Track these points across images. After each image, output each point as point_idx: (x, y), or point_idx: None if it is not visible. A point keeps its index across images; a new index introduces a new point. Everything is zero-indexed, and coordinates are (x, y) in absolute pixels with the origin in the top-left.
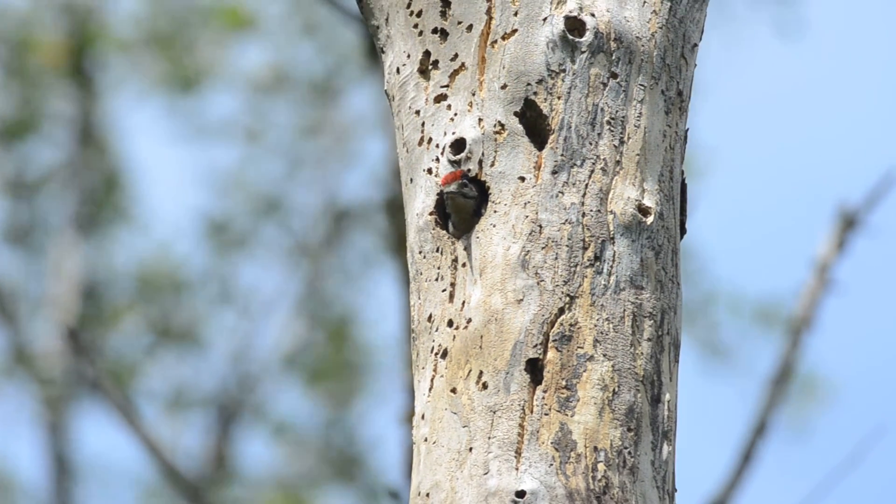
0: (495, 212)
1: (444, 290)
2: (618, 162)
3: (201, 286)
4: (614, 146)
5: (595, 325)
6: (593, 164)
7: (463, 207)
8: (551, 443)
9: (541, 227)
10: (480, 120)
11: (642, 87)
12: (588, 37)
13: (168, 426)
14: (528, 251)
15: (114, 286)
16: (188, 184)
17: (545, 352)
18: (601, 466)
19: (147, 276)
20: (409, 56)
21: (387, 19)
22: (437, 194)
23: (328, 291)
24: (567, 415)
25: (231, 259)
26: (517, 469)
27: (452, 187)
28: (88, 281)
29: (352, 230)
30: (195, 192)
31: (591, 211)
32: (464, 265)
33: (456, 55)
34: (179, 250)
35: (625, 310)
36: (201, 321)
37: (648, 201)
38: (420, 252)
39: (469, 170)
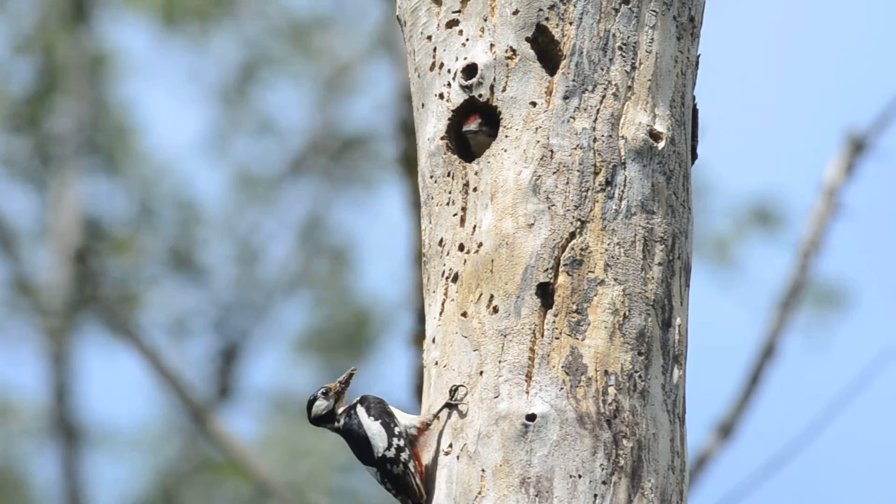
0: (506, 137)
1: (455, 215)
2: (629, 87)
3: (206, 215)
4: (626, 72)
5: (606, 250)
6: (605, 89)
7: (485, 144)
8: (562, 367)
9: (552, 151)
10: (492, 45)
11: (654, 14)
12: None
13: (172, 354)
14: (540, 176)
15: (116, 216)
16: (192, 108)
17: (556, 276)
18: (612, 390)
19: (150, 206)
20: None
21: None
22: (449, 119)
23: (331, 218)
24: (578, 339)
25: (235, 187)
26: (528, 393)
27: (473, 126)
28: (91, 212)
29: (356, 157)
30: (199, 116)
31: (603, 136)
32: (475, 189)
33: None
34: (182, 179)
35: (636, 234)
36: (205, 249)
37: (660, 126)
38: (431, 176)
39: (480, 95)
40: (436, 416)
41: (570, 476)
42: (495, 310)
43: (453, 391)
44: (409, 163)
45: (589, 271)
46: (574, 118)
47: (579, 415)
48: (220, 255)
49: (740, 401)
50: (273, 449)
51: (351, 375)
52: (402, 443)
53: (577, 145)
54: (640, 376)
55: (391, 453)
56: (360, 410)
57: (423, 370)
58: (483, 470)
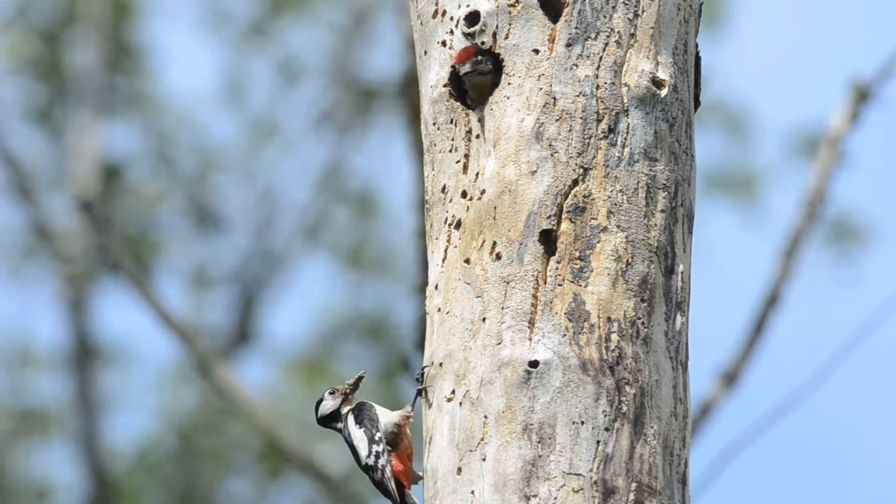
0: (509, 84)
1: (457, 162)
2: (632, 35)
3: (224, 162)
4: (629, 19)
5: (609, 197)
6: (608, 36)
7: (480, 85)
8: (565, 313)
9: (555, 99)
10: None
11: None
12: None
13: (191, 303)
14: (543, 123)
15: (135, 164)
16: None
17: (559, 223)
18: (614, 337)
19: (168, 154)
20: None
21: None
22: (452, 67)
23: (350, 167)
24: (580, 285)
25: (254, 135)
26: (530, 339)
27: (467, 67)
28: (109, 158)
29: (374, 106)
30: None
31: (606, 83)
32: (478, 136)
33: None
34: (201, 126)
35: (638, 181)
36: (224, 197)
37: (662, 74)
38: (434, 123)
39: (483, 42)
40: (412, 406)
41: (573, 423)
42: (498, 256)
43: (420, 376)
44: (412, 110)
45: (592, 218)
46: (577, 65)
47: (582, 361)
48: (239, 202)
49: (744, 349)
50: (289, 398)
51: (360, 379)
52: (380, 448)
53: (580, 93)
54: (642, 323)
55: (371, 461)
56: (350, 419)
57: (425, 317)
58: (485, 416)
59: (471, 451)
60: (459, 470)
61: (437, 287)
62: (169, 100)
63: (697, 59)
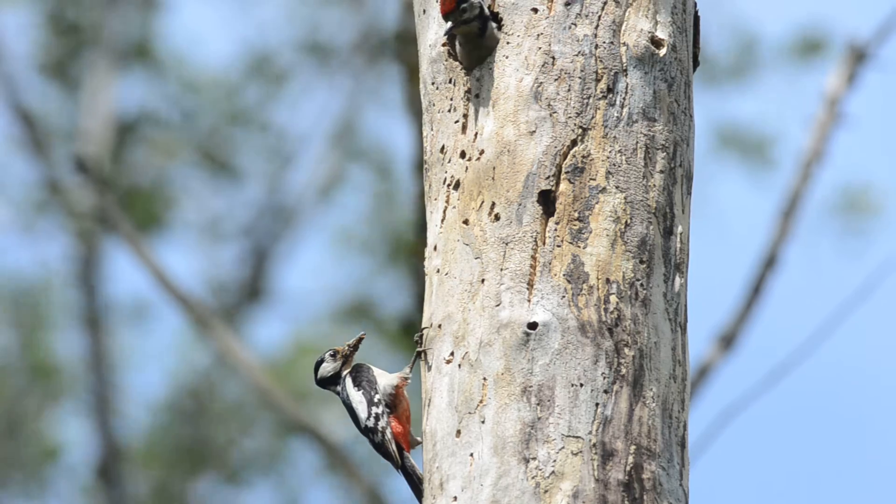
0: (508, 43)
1: (456, 122)
2: None
3: (237, 117)
4: None
5: (608, 157)
6: None
7: (469, 32)
8: (563, 274)
9: (553, 58)
10: None
11: None
12: None
13: (203, 257)
14: (541, 83)
15: (149, 119)
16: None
17: (558, 183)
18: (613, 298)
19: (183, 109)
20: None
21: None
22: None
23: (363, 124)
24: (579, 246)
25: (267, 91)
26: (529, 301)
27: (450, 24)
28: (123, 113)
29: (387, 63)
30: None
31: (604, 43)
32: (476, 96)
33: None
34: (215, 81)
35: (637, 142)
36: (237, 153)
37: (661, 33)
38: (433, 83)
39: (481, 1)
40: (410, 368)
41: (572, 385)
42: (497, 217)
43: (419, 338)
44: (410, 70)
45: (590, 179)
46: (575, 25)
47: (581, 323)
48: (252, 157)
49: (742, 311)
50: (302, 354)
51: (360, 340)
52: (379, 410)
53: (579, 52)
54: (641, 284)
55: (371, 423)
56: (348, 381)
57: (424, 278)
58: (484, 378)
59: (470, 413)
60: (458, 432)
61: (435, 248)
62: (183, 55)
63: (696, 18)
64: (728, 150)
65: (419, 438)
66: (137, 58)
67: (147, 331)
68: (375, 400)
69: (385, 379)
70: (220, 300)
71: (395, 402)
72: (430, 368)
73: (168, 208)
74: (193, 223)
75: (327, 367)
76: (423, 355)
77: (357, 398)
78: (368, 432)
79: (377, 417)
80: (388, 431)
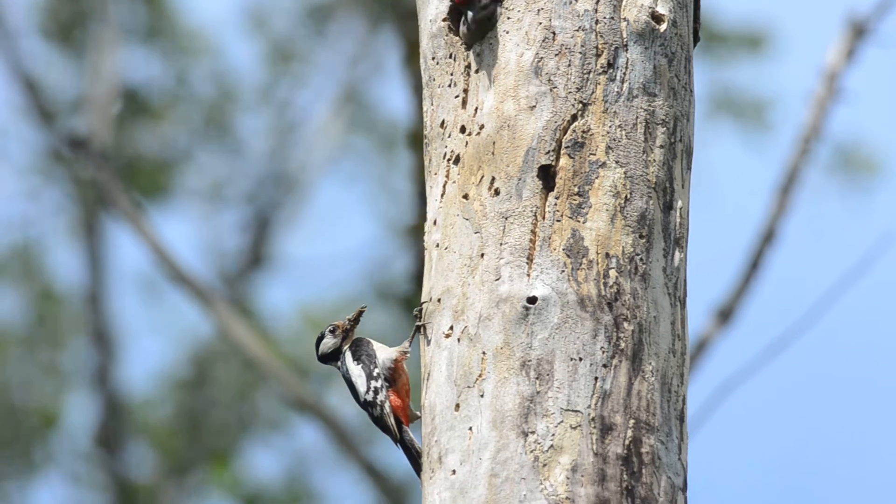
0: (508, 18)
1: (456, 97)
2: None
3: (242, 86)
4: None
5: (608, 132)
6: None
7: (483, 18)
8: (563, 249)
9: (554, 33)
10: None
11: None
12: None
13: (205, 225)
14: (542, 58)
15: (154, 86)
16: None
17: (557, 158)
18: (613, 273)
19: (186, 75)
20: None
21: None
22: (451, 1)
23: (367, 92)
24: (579, 221)
25: (272, 59)
26: (529, 275)
27: (469, 11)
28: (129, 81)
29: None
30: None
31: (605, 18)
32: (477, 71)
33: None
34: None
35: (637, 117)
36: (241, 120)
37: (662, 8)
38: (433, 58)
39: None
40: (409, 342)
41: (571, 359)
42: (497, 192)
43: (418, 312)
44: (411, 45)
45: (590, 154)
46: (576, 0)
47: (580, 297)
48: (256, 125)
49: (740, 285)
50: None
51: (360, 313)
52: (378, 384)
53: (580, 27)
54: (641, 259)
55: (370, 397)
56: (348, 355)
57: (423, 253)
58: (484, 352)
59: (469, 387)
60: (457, 406)
61: (435, 222)
62: (188, 24)
63: None
64: (723, 114)
65: (419, 413)
66: (142, 27)
67: (149, 301)
68: (374, 374)
69: (384, 353)
70: (221, 268)
71: (394, 376)
72: (429, 342)
73: (171, 176)
74: (196, 190)
75: (328, 343)
76: (422, 329)
77: (356, 372)
78: (367, 406)
79: (376, 391)
80: (386, 405)
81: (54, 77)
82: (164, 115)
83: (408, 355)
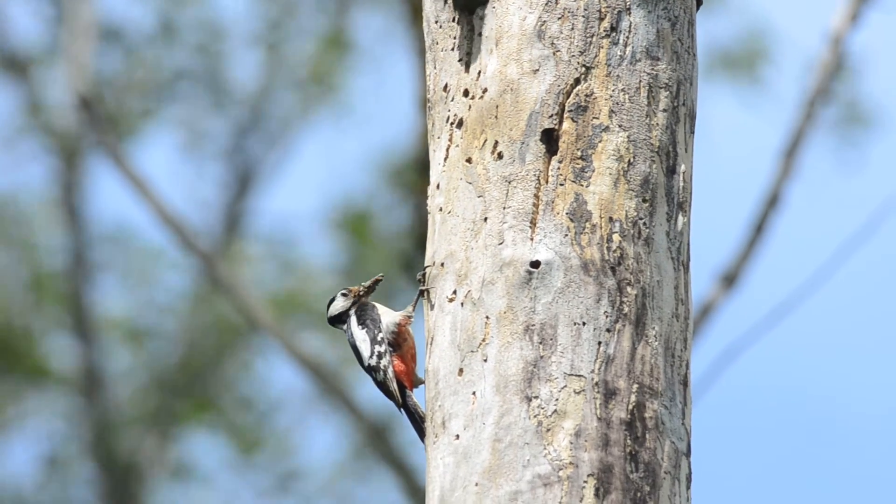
0: None
1: (459, 60)
2: None
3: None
4: None
5: (611, 96)
6: None
7: None
8: (566, 213)
9: None
10: None
11: None
12: None
13: (184, 180)
14: (545, 21)
15: (132, 32)
16: None
17: (561, 122)
18: (616, 237)
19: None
20: None
21: None
22: None
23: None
24: (582, 185)
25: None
26: (532, 239)
27: None
28: (105, 28)
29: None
30: None
31: None
32: (480, 35)
33: None
34: None
35: (640, 80)
36: (223, 67)
37: None
38: (436, 22)
39: None
40: (413, 307)
41: (574, 323)
42: (500, 156)
43: (422, 276)
44: (414, 9)
45: (594, 117)
46: None
47: (583, 262)
48: (239, 75)
49: (745, 250)
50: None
51: (377, 282)
52: (382, 349)
53: None
54: (644, 223)
55: (373, 361)
56: (353, 319)
57: (427, 217)
58: (487, 317)
59: (472, 351)
60: (461, 371)
61: (438, 186)
62: None
63: None
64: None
65: (423, 378)
66: None
67: (131, 250)
68: (378, 338)
69: (388, 317)
70: (204, 223)
71: (398, 341)
72: (432, 307)
73: (151, 126)
74: (177, 143)
75: (337, 305)
76: (426, 294)
77: (360, 336)
78: (371, 371)
79: (379, 356)
80: (389, 370)
81: (31, 28)
82: (145, 58)
83: (412, 319)
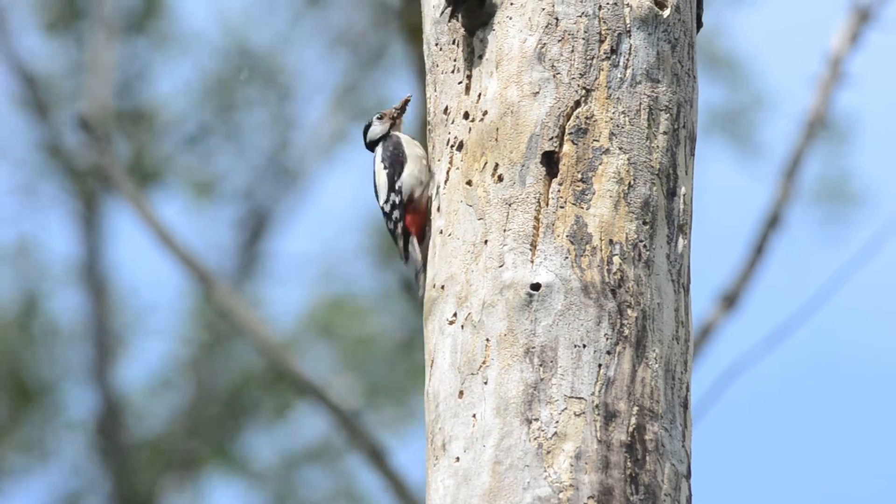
0: (511, 4)
1: (459, 83)
2: None
3: (239, 78)
4: None
5: (611, 118)
6: None
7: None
8: (567, 235)
9: (557, 19)
10: None
11: None
12: None
13: (200, 219)
14: (545, 43)
15: (150, 80)
16: None
17: (561, 144)
18: (616, 259)
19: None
20: None
21: None
22: None
23: (367, 85)
24: (582, 207)
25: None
26: (532, 262)
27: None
28: (125, 75)
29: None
30: None
31: (608, 3)
32: (480, 57)
33: None
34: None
35: (641, 103)
36: (239, 114)
37: None
38: (436, 44)
39: None
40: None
41: (575, 346)
42: (500, 178)
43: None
44: (414, 31)
45: (594, 140)
46: None
47: (584, 284)
48: (254, 120)
49: (745, 271)
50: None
51: (406, 102)
52: (397, 199)
53: (583, 13)
54: (644, 246)
55: (387, 208)
56: (378, 152)
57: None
58: (487, 339)
59: (472, 374)
60: (461, 393)
61: (439, 209)
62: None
63: None
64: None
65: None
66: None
67: (148, 290)
68: (396, 187)
69: (411, 176)
70: (219, 263)
71: (412, 197)
72: (433, 330)
73: (168, 170)
74: (193, 185)
75: (375, 130)
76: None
77: (382, 177)
78: (384, 213)
79: (393, 206)
80: (399, 225)
81: (50, 68)
82: (161, 110)
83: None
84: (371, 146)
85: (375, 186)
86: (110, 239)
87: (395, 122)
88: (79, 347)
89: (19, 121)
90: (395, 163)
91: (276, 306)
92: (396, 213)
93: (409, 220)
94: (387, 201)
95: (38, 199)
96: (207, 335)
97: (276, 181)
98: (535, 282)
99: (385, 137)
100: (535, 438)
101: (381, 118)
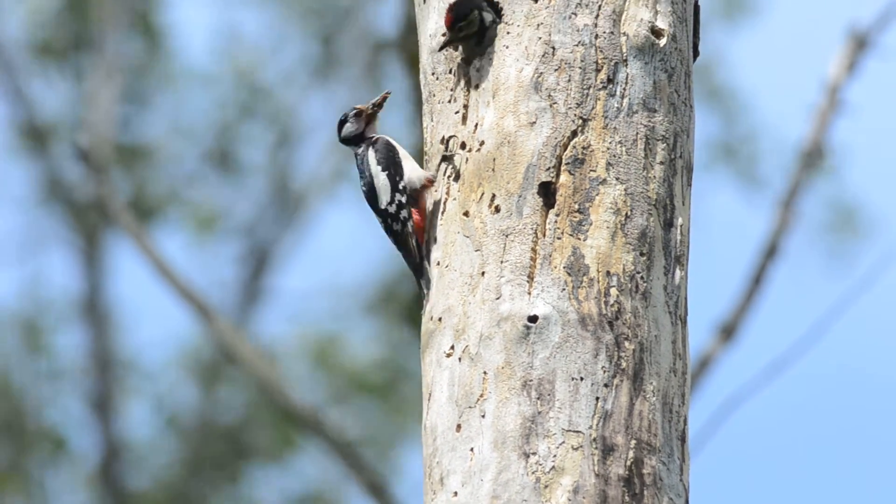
0: (508, 33)
1: (456, 112)
2: None
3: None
4: None
5: (608, 148)
6: None
7: (467, 38)
8: (564, 267)
9: (554, 48)
10: None
11: None
12: None
13: (201, 255)
14: (541, 73)
15: (150, 113)
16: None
17: (558, 175)
18: (614, 291)
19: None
20: None
21: None
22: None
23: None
24: (580, 239)
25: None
26: (529, 294)
27: (451, 35)
28: (126, 110)
29: (390, 60)
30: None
31: (605, 33)
32: (477, 87)
33: None
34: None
35: (637, 133)
36: (241, 149)
37: (661, 23)
38: (433, 74)
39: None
40: (437, 170)
41: (572, 378)
42: (497, 209)
43: (445, 142)
44: (411, 60)
45: (591, 170)
46: (576, 14)
47: (581, 316)
48: (254, 157)
49: (743, 302)
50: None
51: (385, 98)
52: (403, 199)
53: (579, 42)
54: (641, 277)
55: (392, 209)
56: (371, 154)
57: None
58: (485, 372)
59: (470, 407)
60: (459, 427)
61: (436, 240)
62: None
63: (696, 7)
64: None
65: (436, 235)
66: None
67: (149, 324)
68: (400, 187)
69: (412, 172)
70: (220, 298)
71: (415, 196)
72: (430, 362)
73: (169, 204)
74: (195, 220)
75: (350, 128)
76: (450, 160)
77: (381, 179)
78: (387, 217)
79: (400, 206)
80: (409, 223)
81: (52, 103)
82: (161, 147)
83: (433, 184)
84: (346, 142)
85: (373, 190)
86: (112, 274)
87: (371, 119)
88: (81, 384)
89: (21, 156)
90: (393, 164)
91: (276, 342)
92: (404, 213)
93: (417, 223)
94: (391, 202)
95: (40, 235)
96: (209, 371)
97: (278, 217)
98: (532, 314)
99: (369, 140)
100: (532, 472)
101: (357, 115)
